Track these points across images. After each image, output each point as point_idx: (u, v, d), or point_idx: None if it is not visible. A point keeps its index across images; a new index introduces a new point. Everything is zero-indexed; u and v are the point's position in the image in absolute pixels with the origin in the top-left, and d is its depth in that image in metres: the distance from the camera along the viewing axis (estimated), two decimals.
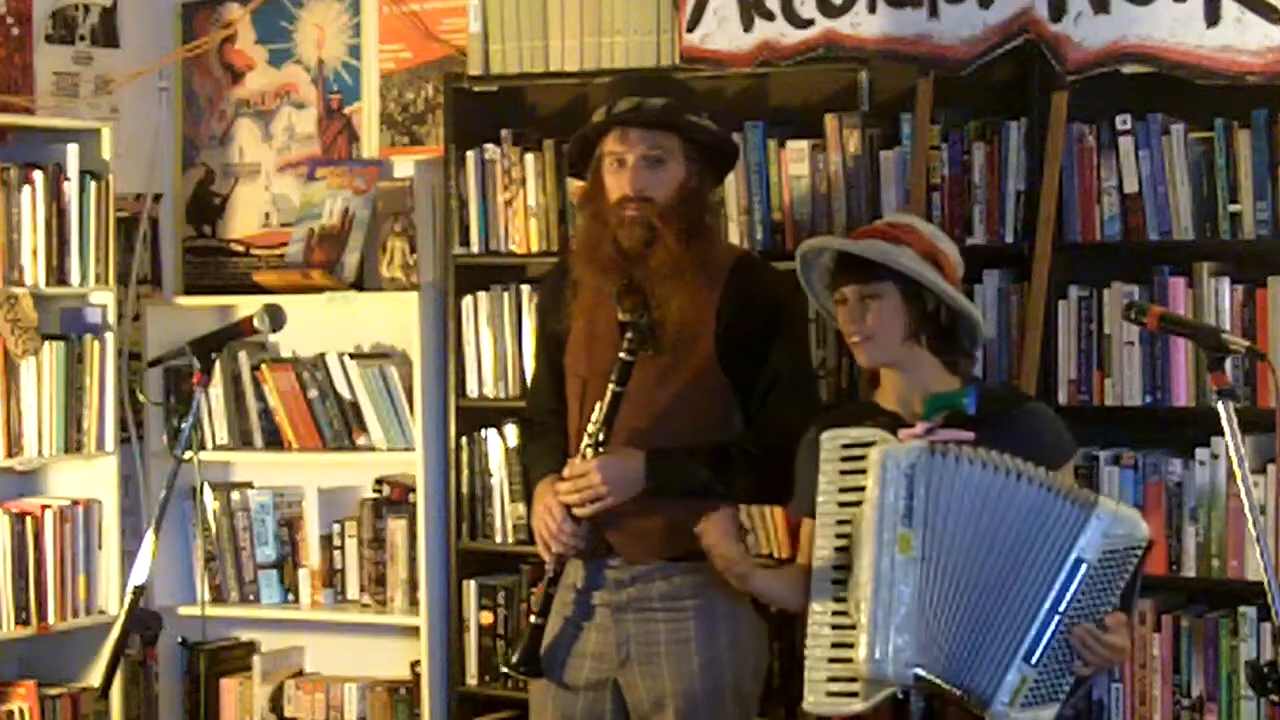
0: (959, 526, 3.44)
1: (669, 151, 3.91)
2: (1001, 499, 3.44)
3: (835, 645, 3.50)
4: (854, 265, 3.66)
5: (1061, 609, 3.41)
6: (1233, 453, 3.37)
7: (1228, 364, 3.45)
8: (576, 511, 3.89)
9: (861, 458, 3.51)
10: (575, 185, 4.56)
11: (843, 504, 3.52)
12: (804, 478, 3.69)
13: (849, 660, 3.46)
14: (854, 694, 3.46)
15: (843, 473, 3.53)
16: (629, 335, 3.85)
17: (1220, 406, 3.37)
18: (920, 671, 3.41)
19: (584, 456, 3.88)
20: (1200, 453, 4.31)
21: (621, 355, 3.84)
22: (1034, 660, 3.40)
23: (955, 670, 3.42)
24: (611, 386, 3.85)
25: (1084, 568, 3.41)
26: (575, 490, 3.88)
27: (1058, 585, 3.41)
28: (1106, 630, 3.43)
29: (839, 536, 3.52)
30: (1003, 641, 3.41)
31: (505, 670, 4.00)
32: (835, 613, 3.51)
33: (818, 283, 3.79)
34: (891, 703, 3.47)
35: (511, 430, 5.01)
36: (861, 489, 3.49)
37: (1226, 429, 3.36)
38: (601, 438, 3.87)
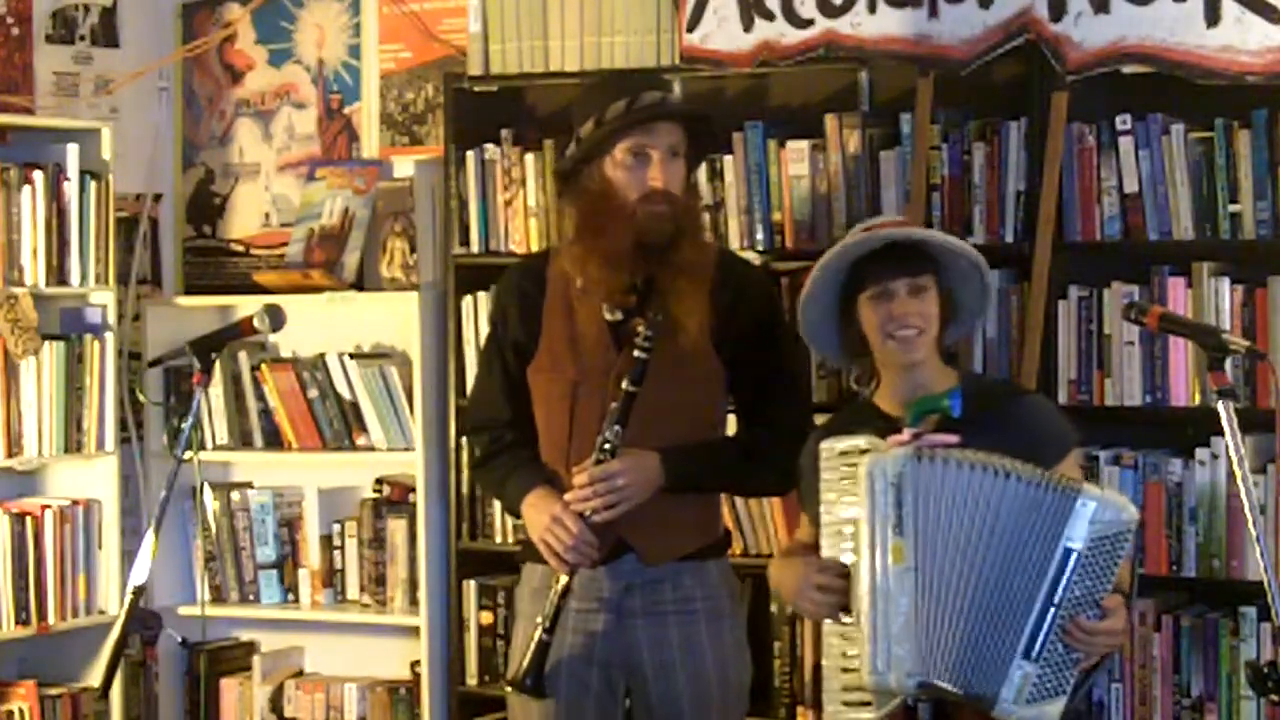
0: (949, 532, 3.43)
1: (680, 145, 3.89)
2: (990, 499, 3.43)
3: (845, 656, 3.49)
4: (904, 257, 3.64)
5: (1056, 600, 3.39)
6: (1233, 453, 3.37)
7: (1228, 364, 3.45)
8: (598, 517, 3.80)
9: (856, 465, 3.51)
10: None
11: (844, 513, 3.52)
12: (802, 473, 3.72)
13: (858, 670, 3.46)
14: (867, 703, 3.46)
15: (842, 480, 3.53)
16: (643, 333, 3.78)
17: (1220, 406, 3.37)
18: (922, 679, 3.41)
19: (599, 460, 3.80)
20: (1200, 453, 4.31)
21: (637, 354, 3.77)
22: (1035, 655, 3.39)
23: (957, 675, 3.41)
24: (625, 386, 3.78)
25: (1074, 556, 3.39)
26: (596, 495, 3.79)
27: (1049, 577, 3.39)
28: (1105, 615, 3.41)
29: (843, 546, 3.52)
30: (1001, 641, 3.40)
31: (509, 688, 3.86)
32: (843, 623, 3.50)
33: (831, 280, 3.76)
34: (904, 710, 3.47)
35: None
36: (857, 497, 3.50)
37: (1226, 429, 3.36)
38: (616, 440, 3.80)
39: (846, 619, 3.48)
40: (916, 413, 3.53)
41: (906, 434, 3.49)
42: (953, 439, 3.47)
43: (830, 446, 3.55)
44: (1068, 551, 3.39)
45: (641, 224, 3.82)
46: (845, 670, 3.48)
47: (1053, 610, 3.39)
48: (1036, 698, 3.40)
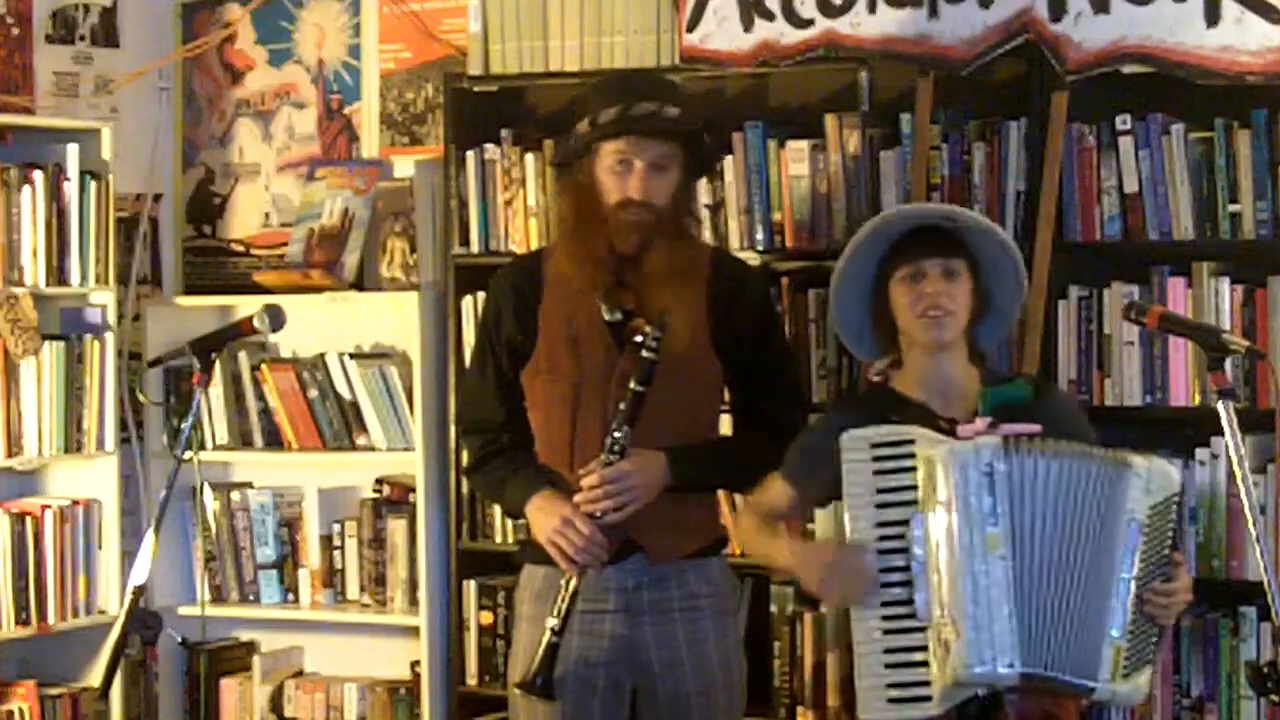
0: (1042, 520, 3.46)
1: (671, 159, 3.88)
2: (1073, 485, 3.47)
3: (890, 651, 3.49)
4: (939, 240, 3.67)
5: (1132, 575, 3.46)
6: (1233, 453, 3.38)
7: (1228, 364, 3.46)
8: (609, 518, 3.80)
9: (899, 457, 3.50)
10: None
11: (881, 505, 3.51)
12: (805, 449, 3.73)
13: (911, 665, 3.47)
14: (924, 699, 3.46)
15: (877, 473, 3.52)
16: (650, 333, 3.79)
17: (1220, 406, 3.38)
18: (1026, 670, 3.43)
19: (609, 461, 3.81)
20: (1200, 453, 4.31)
21: (645, 354, 3.79)
22: (1121, 632, 3.45)
23: (1056, 662, 3.45)
24: (634, 386, 3.78)
25: (1137, 528, 3.46)
26: (608, 496, 3.80)
27: (1122, 553, 3.46)
28: (1175, 573, 3.49)
29: (883, 539, 3.51)
30: (1091, 623, 3.45)
31: (518, 689, 3.86)
32: (886, 617, 3.50)
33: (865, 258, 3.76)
34: (959, 705, 3.48)
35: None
36: (905, 488, 3.49)
37: (1226, 429, 3.37)
38: (626, 440, 3.79)
39: (886, 601, 3.48)
40: (992, 401, 3.54)
41: (981, 423, 3.49)
42: (1035, 428, 3.50)
43: (856, 438, 3.54)
44: (1132, 524, 3.46)
45: (612, 229, 3.84)
46: (891, 666, 3.48)
47: (1133, 585, 3.46)
48: (1130, 671, 3.46)
